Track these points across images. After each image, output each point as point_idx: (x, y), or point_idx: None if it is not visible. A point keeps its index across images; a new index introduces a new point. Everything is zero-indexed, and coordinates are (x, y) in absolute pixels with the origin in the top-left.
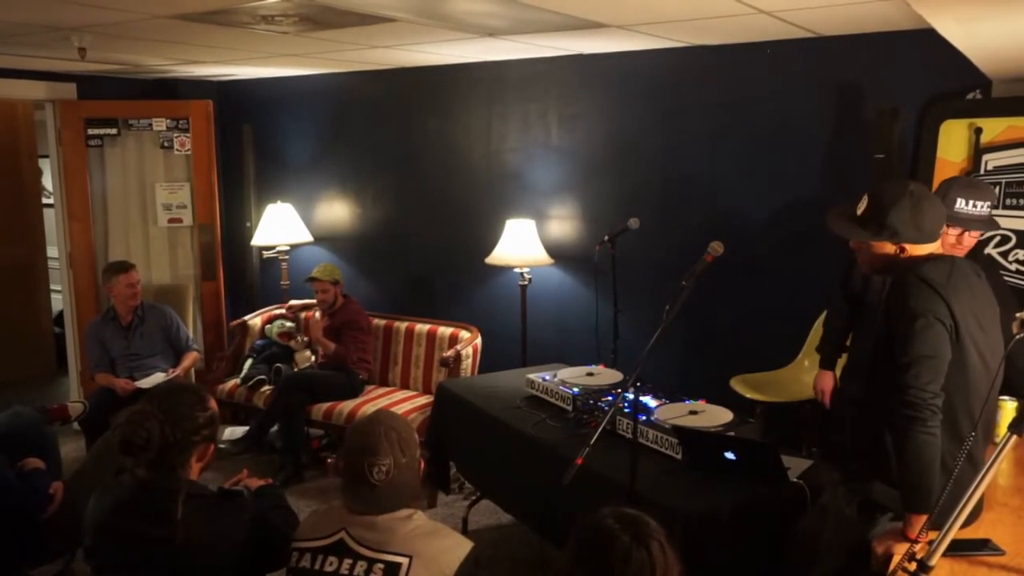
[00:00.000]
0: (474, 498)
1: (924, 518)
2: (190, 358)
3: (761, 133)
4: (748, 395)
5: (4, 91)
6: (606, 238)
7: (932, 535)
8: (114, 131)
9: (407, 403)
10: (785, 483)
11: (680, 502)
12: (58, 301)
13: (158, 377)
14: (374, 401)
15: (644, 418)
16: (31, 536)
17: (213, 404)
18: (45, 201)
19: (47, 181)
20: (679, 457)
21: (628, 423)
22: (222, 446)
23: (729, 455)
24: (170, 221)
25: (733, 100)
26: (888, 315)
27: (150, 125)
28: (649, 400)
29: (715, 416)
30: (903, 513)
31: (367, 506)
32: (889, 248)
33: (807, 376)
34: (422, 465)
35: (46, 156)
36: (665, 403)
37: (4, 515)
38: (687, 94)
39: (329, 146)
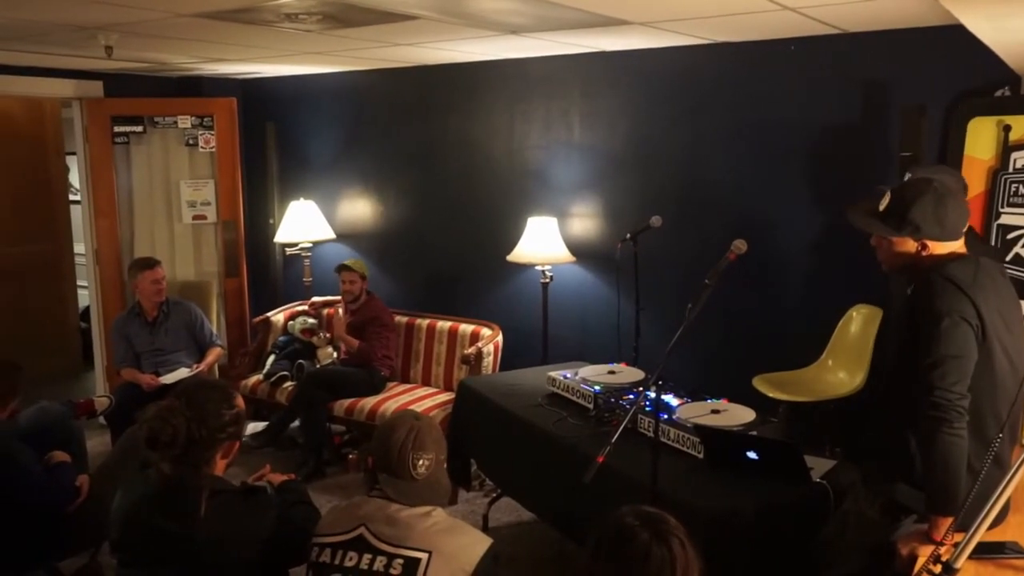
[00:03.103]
0: (494, 495)
1: (950, 520)
2: (214, 354)
3: (785, 131)
4: (771, 394)
5: (32, 89)
6: (628, 236)
7: (958, 537)
8: (140, 129)
9: (428, 400)
10: (808, 483)
11: (701, 501)
12: (84, 297)
13: (182, 372)
14: (395, 398)
15: (665, 417)
16: (57, 529)
17: (240, 402)
18: (72, 198)
19: (74, 178)
20: (701, 456)
21: (649, 422)
22: (244, 441)
23: (751, 455)
24: (194, 218)
25: (757, 97)
26: (913, 315)
27: (175, 123)
28: (671, 399)
29: (737, 415)
30: (928, 515)
31: (408, 499)
32: (910, 245)
33: (831, 375)
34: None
35: (73, 153)
36: (687, 402)
37: (31, 508)
38: (711, 91)
39: (351, 143)
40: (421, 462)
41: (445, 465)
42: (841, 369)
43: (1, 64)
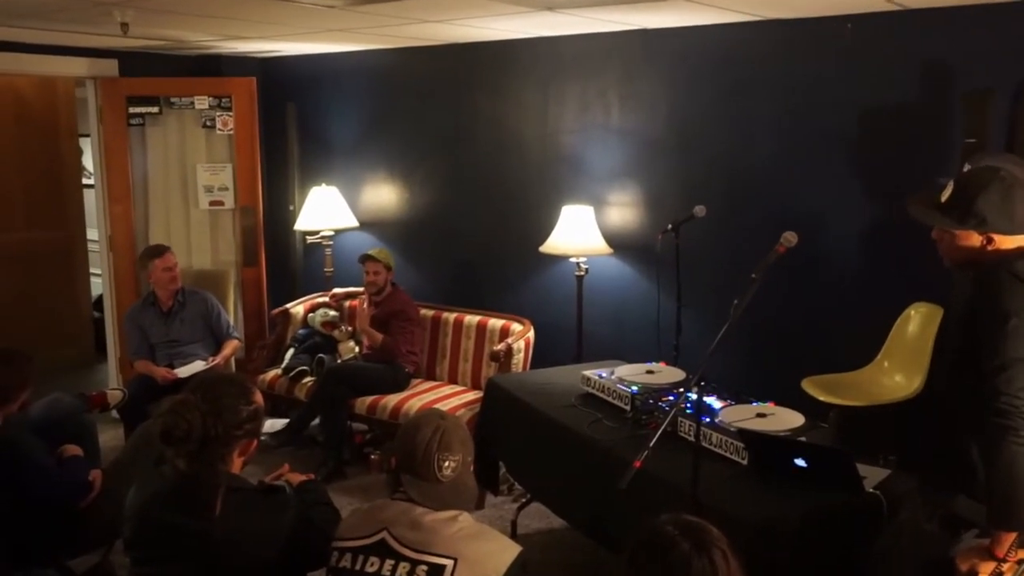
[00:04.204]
0: (524, 500)
1: (1013, 535)
2: (231, 346)
3: (839, 115)
4: (821, 398)
5: (45, 68)
6: (669, 227)
7: (1021, 554)
8: (155, 110)
9: (455, 399)
10: (860, 493)
11: (745, 511)
12: (97, 285)
13: (197, 365)
14: (420, 396)
15: (708, 420)
16: (69, 526)
17: (258, 398)
18: (85, 182)
19: (87, 161)
20: (745, 463)
21: (690, 425)
22: (262, 438)
23: (799, 462)
24: (211, 204)
25: (809, 79)
26: (976, 315)
27: (192, 103)
28: (713, 401)
29: (785, 420)
30: (990, 529)
31: (433, 502)
32: (975, 239)
33: (886, 378)
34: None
35: (87, 135)
36: (731, 404)
37: (42, 504)
38: (759, 72)
39: (376, 126)
40: (447, 464)
41: (472, 467)
42: (897, 371)
43: (12, 41)
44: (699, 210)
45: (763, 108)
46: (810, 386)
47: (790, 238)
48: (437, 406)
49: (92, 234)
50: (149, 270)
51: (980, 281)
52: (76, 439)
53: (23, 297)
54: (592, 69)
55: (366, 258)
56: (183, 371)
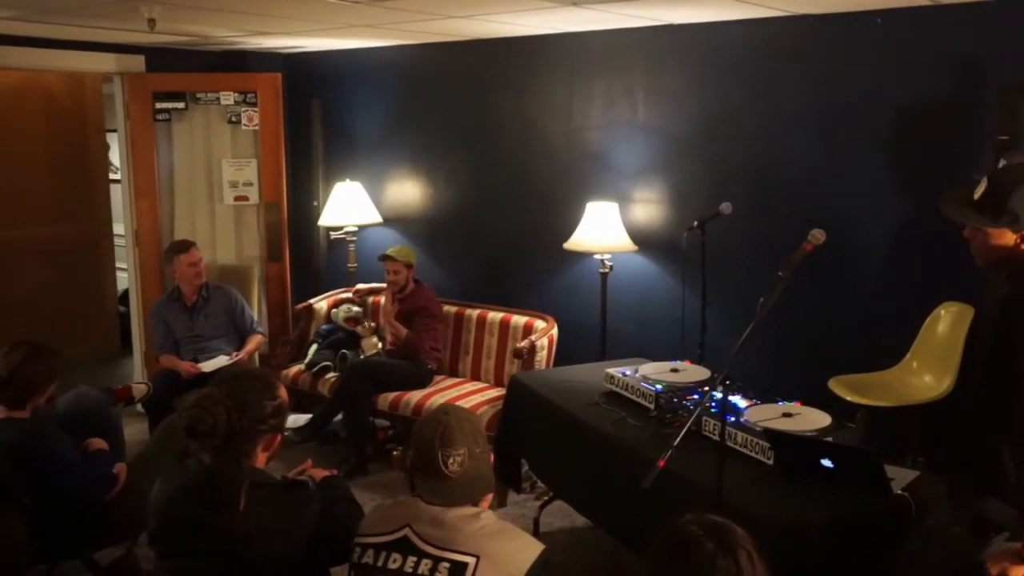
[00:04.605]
0: (546, 499)
1: None
2: (254, 341)
3: (868, 111)
4: (849, 398)
5: (73, 63)
6: (695, 224)
7: None
8: (182, 105)
9: (477, 395)
10: (888, 495)
11: (770, 512)
12: (123, 280)
13: (221, 360)
14: (442, 392)
15: (733, 419)
16: (94, 519)
17: (283, 393)
18: (112, 177)
19: (114, 156)
20: (770, 463)
21: (715, 424)
22: (285, 434)
23: (826, 463)
24: (236, 199)
25: (837, 75)
26: (1009, 315)
27: (218, 99)
28: (739, 400)
29: (811, 420)
30: (1021, 533)
31: (443, 499)
32: (1008, 238)
33: (915, 379)
34: (491, 457)
35: (114, 130)
36: (756, 404)
37: (68, 496)
38: (787, 68)
39: (400, 122)
40: (452, 460)
41: (489, 456)
42: (927, 372)
43: (41, 37)
44: (725, 207)
45: (791, 104)
46: (837, 386)
47: (818, 235)
48: (459, 403)
49: (118, 229)
50: (174, 265)
51: (1014, 281)
52: (101, 433)
53: (50, 291)
54: (618, 65)
55: (385, 258)
56: (207, 366)
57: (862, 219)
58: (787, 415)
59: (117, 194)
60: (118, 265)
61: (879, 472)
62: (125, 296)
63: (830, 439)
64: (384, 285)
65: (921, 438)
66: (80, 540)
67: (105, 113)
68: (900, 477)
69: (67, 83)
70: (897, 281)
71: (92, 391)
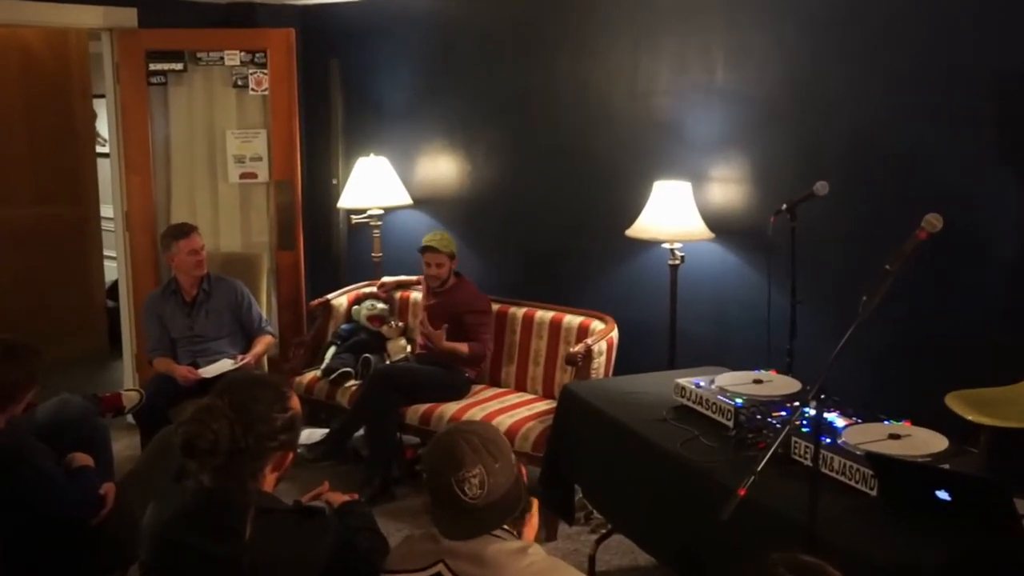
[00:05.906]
0: (604, 532)
1: None
2: (263, 343)
3: (991, 78)
4: (969, 417)
5: (55, 17)
6: (784, 207)
7: None
8: (179, 66)
9: (523, 409)
10: (1017, 534)
11: (873, 551)
12: (112, 270)
13: (225, 364)
14: (482, 404)
15: (828, 441)
16: (78, 546)
17: (295, 403)
18: (99, 150)
19: (101, 126)
20: (873, 494)
21: (807, 447)
22: (298, 451)
23: (942, 494)
24: (242, 176)
25: (956, 32)
26: None
27: (221, 59)
28: (835, 418)
29: (923, 442)
30: None
31: (471, 530)
32: None
33: None
34: (520, 469)
35: (102, 96)
36: (856, 423)
37: (50, 520)
38: (893, 23)
39: (434, 87)
40: (467, 484)
41: (516, 467)
42: None
43: None
44: (820, 187)
45: (899, 66)
46: (956, 402)
47: (934, 222)
48: (502, 417)
49: (106, 210)
50: (172, 253)
51: None
52: (86, 446)
53: (28, 281)
54: (693, 20)
55: (426, 249)
56: (208, 371)
57: (985, 203)
58: (894, 436)
59: (105, 170)
60: (106, 252)
61: (1006, 506)
62: (114, 288)
63: (947, 466)
64: (415, 278)
65: None
66: (62, 571)
67: (92, 76)
68: None
69: (48, 41)
70: None
71: (76, 399)
